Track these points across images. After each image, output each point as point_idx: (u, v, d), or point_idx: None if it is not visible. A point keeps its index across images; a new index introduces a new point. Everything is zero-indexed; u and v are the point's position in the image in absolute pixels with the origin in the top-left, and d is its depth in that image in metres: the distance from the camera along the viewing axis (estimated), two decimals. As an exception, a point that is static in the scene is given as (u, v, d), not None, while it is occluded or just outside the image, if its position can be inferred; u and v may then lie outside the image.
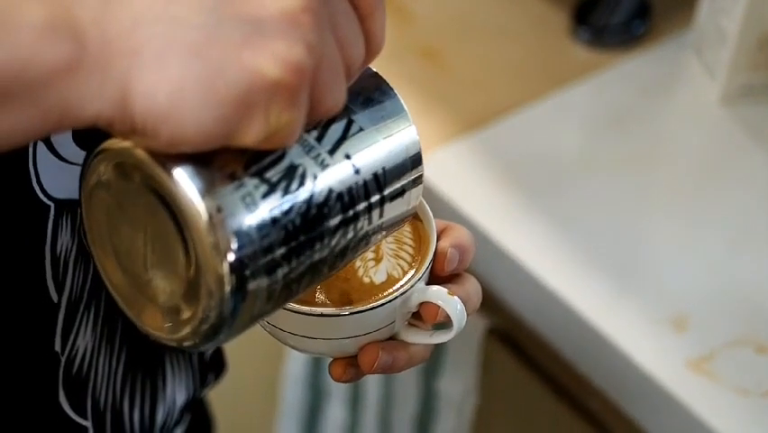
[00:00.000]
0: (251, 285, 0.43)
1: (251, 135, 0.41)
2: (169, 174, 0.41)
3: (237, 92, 0.40)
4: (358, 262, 0.54)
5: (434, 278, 0.54)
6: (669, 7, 1.07)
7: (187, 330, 0.44)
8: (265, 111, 0.40)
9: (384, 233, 0.48)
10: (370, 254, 0.54)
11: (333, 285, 0.53)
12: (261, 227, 0.42)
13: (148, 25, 0.40)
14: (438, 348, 0.96)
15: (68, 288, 0.55)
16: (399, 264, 0.54)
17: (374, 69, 0.48)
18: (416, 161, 0.48)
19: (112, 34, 0.39)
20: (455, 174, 0.93)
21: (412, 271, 0.54)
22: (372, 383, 1.06)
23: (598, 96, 1.00)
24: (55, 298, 0.55)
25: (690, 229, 0.90)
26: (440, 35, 1.05)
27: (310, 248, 0.44)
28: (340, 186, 0.45)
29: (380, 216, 0.47)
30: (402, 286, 0.53)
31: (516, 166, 0.94)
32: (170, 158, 0.41)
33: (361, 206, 0.46)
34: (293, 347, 0.55)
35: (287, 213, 0.43)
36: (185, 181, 0.41)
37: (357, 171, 0.45)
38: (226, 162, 0.42)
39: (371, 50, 0.45)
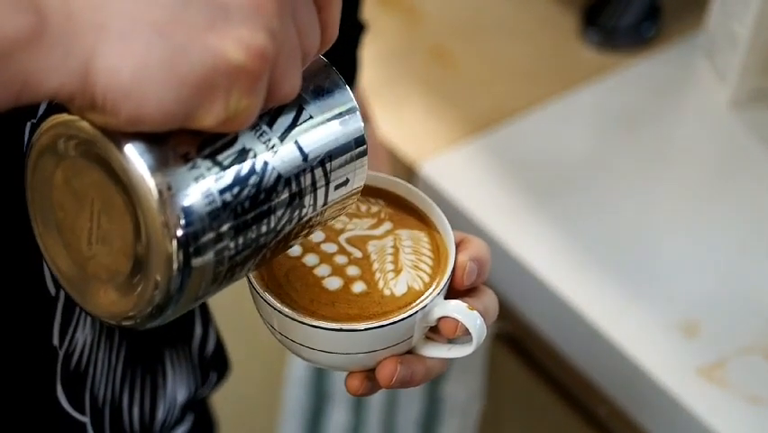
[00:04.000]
0: (198, 263, 0.43)
1: (210, 118, 0.41)
2: (122, 150, 0.42)
3: (200, 74, 0.40)
4: (377, 274, 0.53)
5: (453, 291, 0.54)
6: (679, 10, 1.06)
7: (131, 308, 0.45)
8: (226, 94, 0.41)
9: (328, 216, 0.50)
10: (389, 266, 0.54)
11: (353, 298, 0.53)
12: (211, 208, 0.43)
13: (114, 1, 0.40)
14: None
15: None
16: (419, 276, 0.53)
17: (325, 60, 0.49)
18: (360, 148, 0.49)
19: (75, 7, 0.40)
20: (464, 176, 0.92)
21: (433, 285, 0.53)
22: (376, 386, 1.05)
23: (607, 99, 0.99)
24: (53, 291, 0.54)
25: (700, 234, 0.89)
26: (449, 36, 1.04)
27: (257, 230, 0.45)
28: (288, 171, 0.46)
29: (325, 201, 0.48)
30: (421, 301, 0.52)
31: (525, 168, 0.93)
32: (124, 135, 0.42)
33: (308, 191, 0.47)
34: (306, 360, 0.55)
35: (236, 195, 0.44)
36: (136, 158, 0.42)
37: (305, 158, 0.46)
38: (180, 143, 0.43)
39: (326, 40, 0.46)
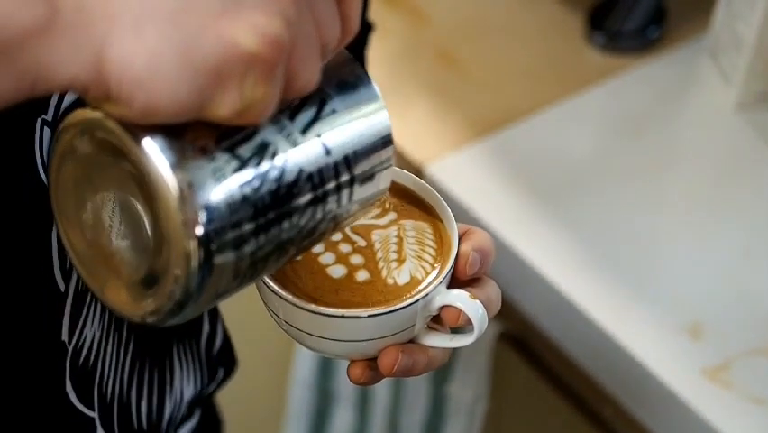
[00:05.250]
0: (218, 260, 0.43)
1: (225, 107, 0.41)
2: (140, 145, 0.41)
3: (212, 62, 0.40)
4: (381, 264, 0.53)
5: (455, 281, 0.54)
6: (685, 12, 1.07)
7: (151, 305, 0.45)
8: (240, 83, 0.40)
9: (353, 215, 0.48)
10: (393, 255, 0.54)
11: (356, 286, 0.53)
12: (231, 203, 0.42)
13: None
14: (449, 353, 0.96)
15: (76, 276, 0.55)
16: (422, 266, 0.54)
17: (349, 54, 0.48)
18: (386, 144, 0.47)
19: None
20: (469, 178, 0.92)
21: (434, 273, 0.53)
22: (381, 387, 1.05)
23: (612, 101, 0.99)
24: (62, 286, 0.54)
25: (705, 236, 0.89)
26: (455, 38, 1.05)
27: (278, 226, 0.44)
28: (310, 166, 0.45)
29: (350, 198, 0.47)
30: (423, 289, 0.53)
31: (530, 170, 0.93)
32: (142, 129, 0.41)
33: (331, 187, 0.46)
34: (310, 348, 0.55)
35: (257, 190, 0.43)
36: (156, 154, 0.41)
37: (328, 153, 0.45)
38: (198, 136, 0.42)
39: (346, 33, 0.45)
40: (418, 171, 0.94)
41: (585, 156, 0.96)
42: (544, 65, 1.03)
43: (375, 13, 0.81)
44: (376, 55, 0.99)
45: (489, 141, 0.95)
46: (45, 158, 0.51)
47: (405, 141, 0.95)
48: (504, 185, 0.92)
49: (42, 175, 0.51)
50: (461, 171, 0.93)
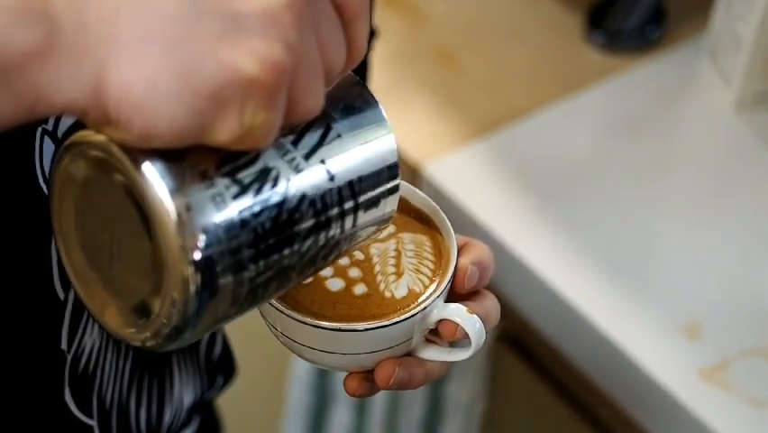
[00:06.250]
0: (216, 286, 0.42)
1: (225, 133, 0.40)
2: (139, 170, 0.41)
3: (212, 87, 0.39)
4: (379, 277, 0.53)
5: (454, 295, 0.54)
6: (684, 12, 1.06)
7: (149, 330, 0.44)
8: (240, 108, 0.40)
9: (357, 242, 0.48)
10: (391, 269, 0.54)
11: (354, 299, 0.53)
12: (230, 228, 0.42)
13: (127, 14, 0.39)
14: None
15: None
16: (420, 279, 0.54)
17: (357, 78, 0.47)
18: (392, 170, 0.47)
19: (89, 20, 0.39)
20: (468, 177, 0.92)
21: (433, 287, 0.53)
22: (380, 386, 1.05)
23: (611, 101, 0.99)
24: (62, 295, 0.54)
25: (703, 235, 0.89)
26: (454, 38, 1.05)
27: (279, 253, 0.44)
28: (313, 192, 0.44)
29: (353, 224, 0.46)
30: (421, 303, 0.53)
31: (529, 170, 0.93)
32: (142, 153, 0.41)
33: (334, 213, 0.45)
34: (308, 360, 0.55)
35: (257, 216, 0.42)
36: (155, 178, 0.41)
37: (332, 178, 0.45)
38: (198, 161, 0.42)
39: (352, 57, 0.44)
40: (416, 171, 0.94)
41: (583, 156, 0.96)
42: (543, 64, 1.02)
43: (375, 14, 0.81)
44: (375, 55, 0.99)
45: (487, 140, 0.95)
46: (45, 168, 0.51)
47: (403, 140, 0.95)
48: (502, 184, 0.92)
49: (42, 185, 0.51)
50: (459, 171, 0.93)
